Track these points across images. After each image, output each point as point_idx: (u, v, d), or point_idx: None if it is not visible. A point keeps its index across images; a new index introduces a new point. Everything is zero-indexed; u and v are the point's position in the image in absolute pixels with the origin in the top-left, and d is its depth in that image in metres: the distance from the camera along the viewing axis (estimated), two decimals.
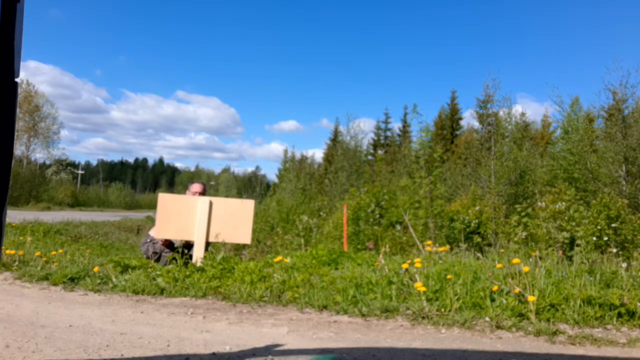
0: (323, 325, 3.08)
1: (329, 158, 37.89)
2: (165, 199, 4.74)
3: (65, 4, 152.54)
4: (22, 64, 1.30)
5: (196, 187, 5.27)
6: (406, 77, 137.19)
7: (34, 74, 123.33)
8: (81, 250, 7.95)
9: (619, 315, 3.14)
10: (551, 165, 14.93)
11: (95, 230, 15.36)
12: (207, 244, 4.81)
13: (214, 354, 2.43)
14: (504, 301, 3.29)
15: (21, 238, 8.00)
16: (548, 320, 3.09)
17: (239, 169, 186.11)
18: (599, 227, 8.03)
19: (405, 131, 42.07)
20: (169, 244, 4.94)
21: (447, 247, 6.11)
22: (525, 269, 3.38)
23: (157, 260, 4.89)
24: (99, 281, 4.08)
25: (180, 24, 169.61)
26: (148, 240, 5.07)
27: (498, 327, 3.01)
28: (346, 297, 3.55)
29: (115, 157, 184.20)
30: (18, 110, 1.38)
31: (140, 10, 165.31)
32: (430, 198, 10.55)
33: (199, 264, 4.40)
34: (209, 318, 3.19)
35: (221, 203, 4.86)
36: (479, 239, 9.75)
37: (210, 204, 4.75)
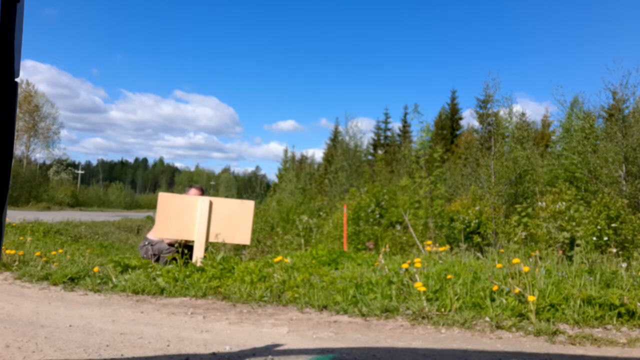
0: (323, 325, 3.08)
1: (328, 158, 37.85)
2: (165, 199, 4.74)
3: (60, 2, 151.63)
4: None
5: (193, 192, 5.22)
6: (406, 77, 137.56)
7: (32, 74, 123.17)
8: (81, 250, 7.94)
9: (619, 315, 3.14)
10: (552, 165, 14.90)
11: (95, 230, 15.33)
12: (207, 244, 4.81)
13: (214, 354, 2.43)
14: (504, 301, 3.29)
15: (21, 238, 8.00)
16: (548, 320, 3.09)
17: (238, 169, 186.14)
18: (599, 227, 8.02)
19: (405, 131, 42.08)
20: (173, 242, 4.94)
21: (447, 247, 6.10)
22: (525, 269, 3.38)
23: (156, 262, 4.89)
24: (99, 281, 4.08)
25: (177, 22, 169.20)
26: (146, 243, 5.06)
27: (498, 327, 3.01)
28: (346, 297, 3.55)
29: (115, 157, 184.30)
30: (18, 110, 1.38)
31: (136, 8, 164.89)
32: (430, 198, 10.54)
33: (199, 264, 4.41)
34: (209, 318, 3.19)
35: (221, 203, 4.86)
36: (479, 239, 9.73)
37: (211, 204, 4.76)
